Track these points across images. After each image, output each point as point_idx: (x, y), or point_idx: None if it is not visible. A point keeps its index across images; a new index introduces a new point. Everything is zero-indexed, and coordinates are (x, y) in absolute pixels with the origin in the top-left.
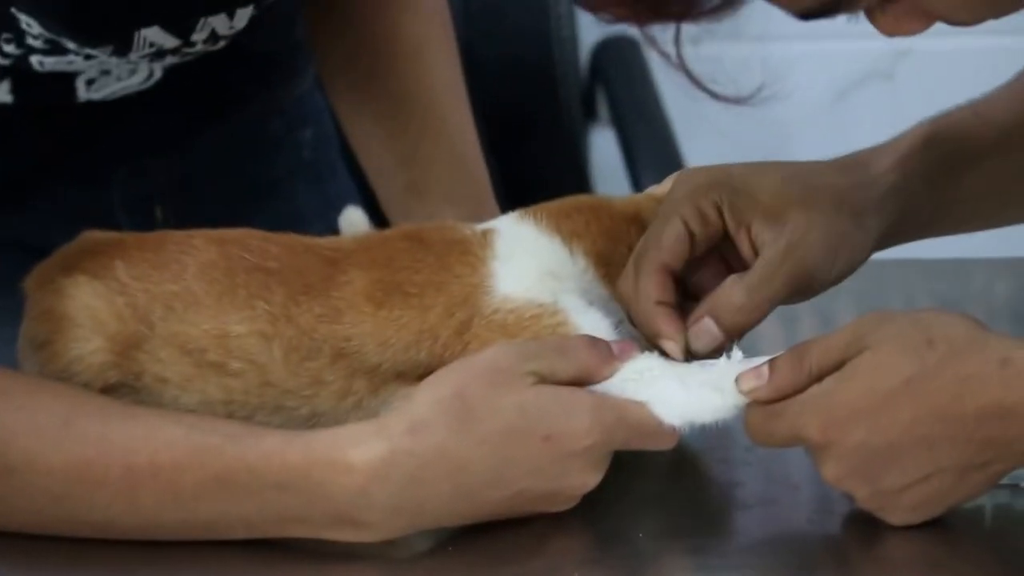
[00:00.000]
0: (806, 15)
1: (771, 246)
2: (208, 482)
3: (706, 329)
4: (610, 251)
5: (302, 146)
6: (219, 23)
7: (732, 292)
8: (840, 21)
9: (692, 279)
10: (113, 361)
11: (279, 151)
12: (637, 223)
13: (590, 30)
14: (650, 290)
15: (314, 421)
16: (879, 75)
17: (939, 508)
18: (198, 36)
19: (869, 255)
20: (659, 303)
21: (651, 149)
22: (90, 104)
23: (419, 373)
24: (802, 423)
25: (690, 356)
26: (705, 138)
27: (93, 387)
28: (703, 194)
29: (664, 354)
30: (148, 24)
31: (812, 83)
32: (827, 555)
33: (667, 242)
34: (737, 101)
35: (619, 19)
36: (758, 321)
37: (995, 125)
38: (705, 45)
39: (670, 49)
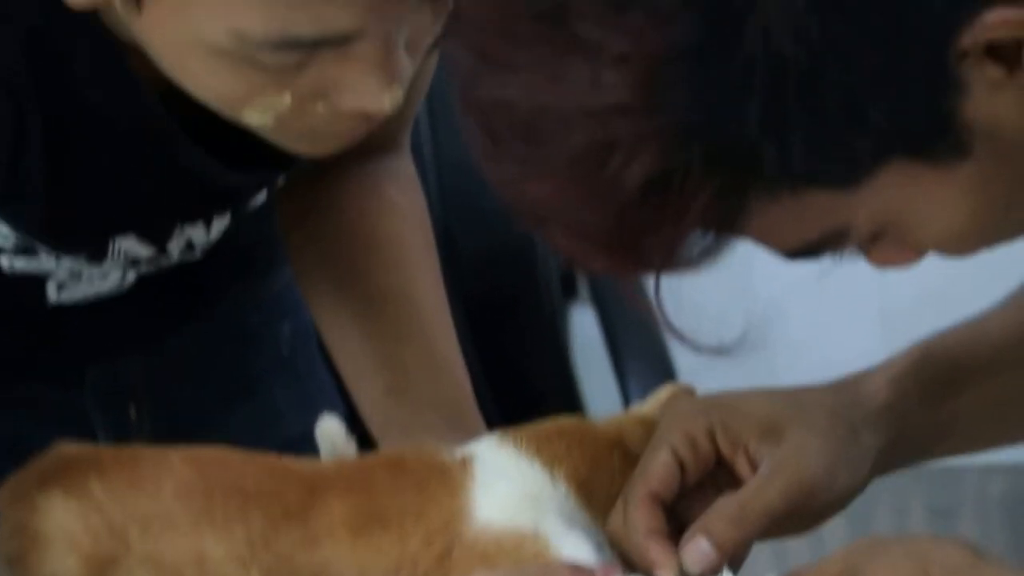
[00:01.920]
0: (793, 255)
1: (767, 460)
2: None
3: (698, 547)
4: (592, 477)
5: (279, 341)
6: (196, 233)
7: (724, 505)
8: None
9: (689, 514)
10: None
11: (256, 346)
12: (620, 448)
13: None
14: (638, 520)
15: None
16: None
17: None
18: (174, 245)
19: (869, 474)
20: (649, 532)
21: (632, 325)
22: (61, 305)
23: None
24: None
25: None
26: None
27: None
28: (692, 421)
29: None
30: (123, 231)
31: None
32: None
33: (654, 471)
34: (719, 352)
35: (600, 272)
36: (752, 535)
37: (990, 344)
38: None
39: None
